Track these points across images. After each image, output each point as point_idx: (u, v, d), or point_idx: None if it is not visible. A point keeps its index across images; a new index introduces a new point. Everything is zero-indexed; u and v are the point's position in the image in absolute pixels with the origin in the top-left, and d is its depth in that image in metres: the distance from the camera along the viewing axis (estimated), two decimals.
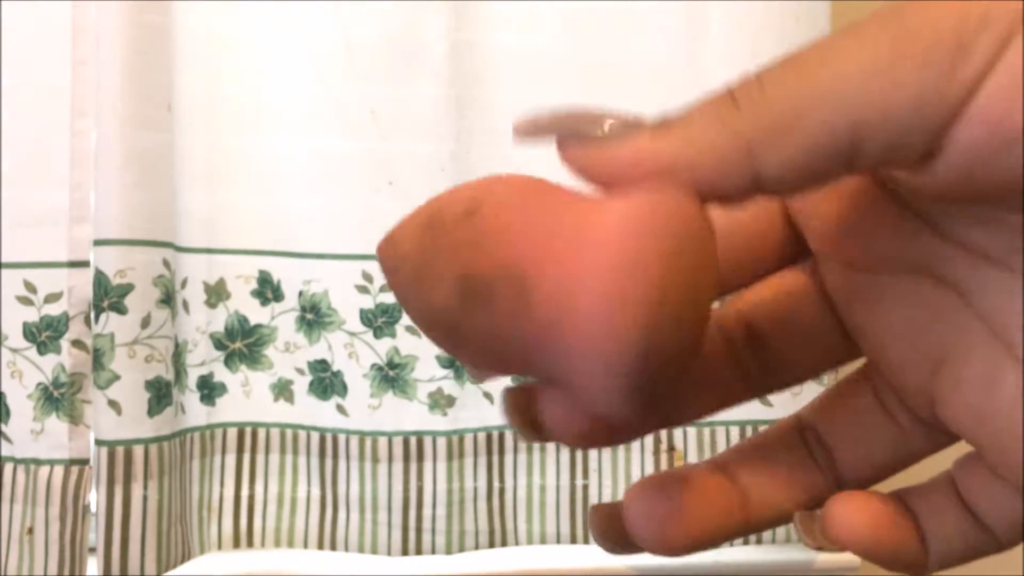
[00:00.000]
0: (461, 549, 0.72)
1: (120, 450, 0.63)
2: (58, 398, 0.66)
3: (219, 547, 0.72)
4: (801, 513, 0.19)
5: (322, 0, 0.69)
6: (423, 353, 0.71)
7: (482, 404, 0.73)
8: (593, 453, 0.74)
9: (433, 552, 0.71)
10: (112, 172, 0.63)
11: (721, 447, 0.74)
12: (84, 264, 0.66)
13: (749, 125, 0.15)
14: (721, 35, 0.71)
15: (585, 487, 0.74)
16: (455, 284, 0.16)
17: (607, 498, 0.73)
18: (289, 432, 0.73)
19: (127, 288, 0.63)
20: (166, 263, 0.66)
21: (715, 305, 0.18)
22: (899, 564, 0.18)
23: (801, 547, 0.73)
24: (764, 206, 0.20)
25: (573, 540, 0.73)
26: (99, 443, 0.63)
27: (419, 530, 0.71)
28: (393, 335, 0.71)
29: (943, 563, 0.18)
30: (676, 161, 0.15)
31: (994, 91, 0.14)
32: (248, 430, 0.73)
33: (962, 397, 0.17)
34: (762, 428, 0.21)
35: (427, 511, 0.71)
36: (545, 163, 0.18)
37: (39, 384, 0.66)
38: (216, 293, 0.71)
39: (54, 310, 0.66)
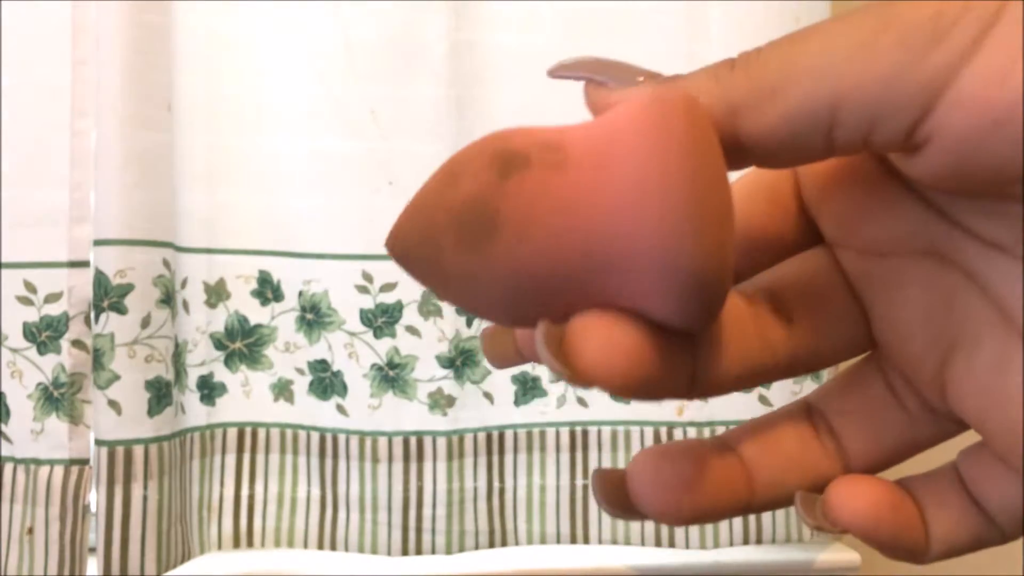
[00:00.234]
0: (461, 549, 0.72)
1: (120, 450, 0.63)
2: (58, 398, 0.66)
3: (219, 547, 0.72)
4: (802, 493, 0.19)
5: (322, 0, 0.69)
6: (423, 353, 0.71)
7: (482, 404, 0.73)
8: (592, 454, 0.74)
9: (433, 552, 0.71)
10: (112, 172, 0.63)
11: None
12: (84, 264, 0.66)
13: (737, 84, 0.16)
14: (721, 35, 0.71)
15: (585, 487, 0.74)
16: (472, 199, 0.16)
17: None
18: (289, 432, 0.73)
19: (127, 288, 0.63)
20: (166, 263, 0.66)
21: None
22: (900, 550, 0.18)
23: (801, 547, 0.74)
24: (778, 192, 0.20)
25: (573, 540, 0.73)
26: (99, 443, 0.63)
27: (419, 530, 0.71)
28: (393, 335, 0.71)
29: (945, 552, 0.18)
30: None
31: (976, 74, 0.14)
32: (248, 430, 0.73)
33: (972, 382, 0.17)
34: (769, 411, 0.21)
35: (427, 511, 0.71)
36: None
37: (39, 384, 0.66)
38: (216, 293, 0.71)
39: (54, 310, 0.66)
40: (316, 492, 0.72)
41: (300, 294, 0.71)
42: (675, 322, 0.16)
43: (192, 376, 0.71)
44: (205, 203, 0.70)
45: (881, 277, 0.19)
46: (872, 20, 0.15)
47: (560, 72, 0.18)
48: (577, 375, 0.16)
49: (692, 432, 0.73)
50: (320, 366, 0.72)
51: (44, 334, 0.66)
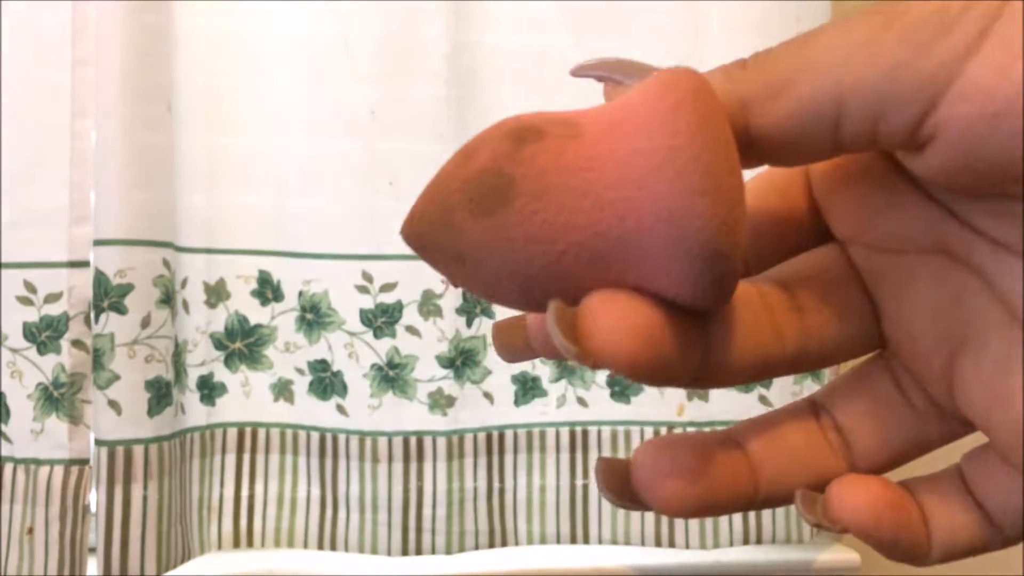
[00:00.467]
0: (461, 549, 0.72)
1: (120, 450, 0.63)
2: (58, 398, 0.66)
3: (219, 547, 0.72)
4: (803, 491, 0.19)
5: (322, 0, 0.69)
6: (423, 353, 0.71)
7: (482, 404, 0.73)
8: (592, 454, 0.74)
9: (433, 552, 0.71)
10: (112, 172, 0.63)
11: None
12: (84, 264, 0.66)
13: (748, 81, 0.17)
14: (721, 35, 0.71)
15: (585, 487, 0.74)
16: (509, 133, 0.17)
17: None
18: (289, 432, 0.73)
19: (127, 288, 0.63)
20: (166, 263, 0.66)
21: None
22: (900, 551, 0.18)
23: (801, 547, 0.74)
24: (789, 189, 0.20)
25: (573, 540, 0.73)
26: (99, 443, 0.63)
27: (419, 530, 0.71)
28: (393, 335, 0.71)
29: (946, 555, 0.18)
30: None
31: (979, 68, 0.14)
32: (248, 430, 0.73)
33: (979, 380, 0.17)
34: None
35: (427, 511, 0.71)
36: None
37: (39, 384, 0.66)
38: (216, 293, 0.71)
39: (54, 310, 0.66)
40: (316, 492, 0.72)
41: (300, 294, 0.71)
42: (686, 298, 0.16)
43: (192, 376, 0.71)
44: (205, 203, 0.70)
45: (891, 274, 0.19)
46: (876, 18, 0.16)
47: (581, 72, 0.19)
48: (587, 354, 0.16)
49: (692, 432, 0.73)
50: (320, 366, 0.72)
51: (44, 334, 0.66)
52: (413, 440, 0.71)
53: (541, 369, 0.74)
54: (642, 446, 0.19)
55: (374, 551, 0.71)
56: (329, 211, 0.70)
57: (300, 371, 0.72)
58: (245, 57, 0.70)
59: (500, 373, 0.73)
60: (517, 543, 0.73)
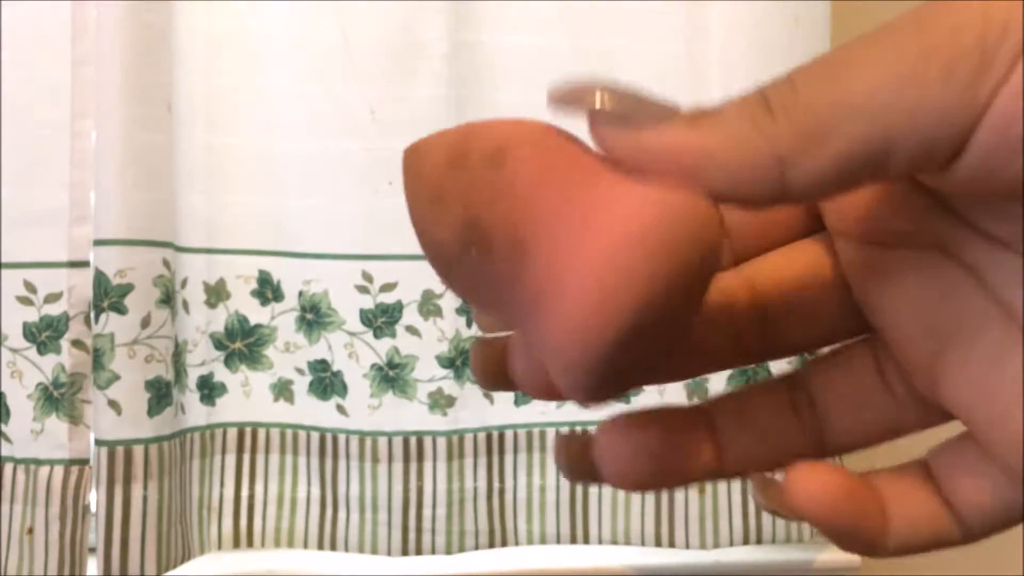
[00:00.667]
0: (461, 549, 0.72)
1: (120, 450, 0.63)
2: (58, 398, 0.66)
3: (219, 547, 0.72)
4: (759, 476, 0.19)
5: (322, 0, 0.69)
6: (423, 353, 0.71)
7: (482, 404, 0.73)
8: None
9: (433, 552, 0.71)
10: (112, 172, 0.63)
11: None
12: (84, 264, 0.66)
13: (782, 133, 0.15)
14: (721, 35, 0.71)
15: (585, 487, 0.74)
16: (460, 225, 0.16)
17: (607, 498, 0.73)
18: (289, 432, 0.73)
19: (127, 288, 0.63)
20: (166, 263, 0.66)
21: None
22: (857, 542, 0.18)
23: (801, 547, 0.74)
24: None
25: (573, 540, 0.73)
26: (99, 443, 0.63)
27: (419, 530, 0.71)
28: (393, 335, 0.71)
29: (905, 548, 0.18)
30: (706, 160, 0.15)
31: (1006, 98, 0.14)
32: (248, 430, 0.73)
33: (967, 374, 0.17)
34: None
35: (427, 511, 0.71)
36: None
37: (39, 384, 0.66)
38: (216, 293, 0.71)
39: (54, 310, 0.66)
40: (316, 492, 0.72)
41: (300, 294, 0.71)
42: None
43: (192, 376, 0.71)
44: (205, 203, 0.70)
45: (881, 267, 0.19)
46: (913, 47, 0.15)
47: (564, 100, 0.17)
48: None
49: None
50: (320, 366, 0.72)
51: (44, 334, 0.66)
52: (413, 440, 0.71)
53: None
54: (606, 423, 0.19)
55: (374, 551, 0.71)
56: (329, 211, 0.70)
57: (300, 371, 0.72)
58: (245, 57, 0.70)
59: None
60: (517, 543, 0.73)
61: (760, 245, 0.21)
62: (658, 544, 0.73)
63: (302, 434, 0.73)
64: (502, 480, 0.73)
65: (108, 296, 0.63)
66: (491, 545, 0.73)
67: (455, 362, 0.72)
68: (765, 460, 0.20)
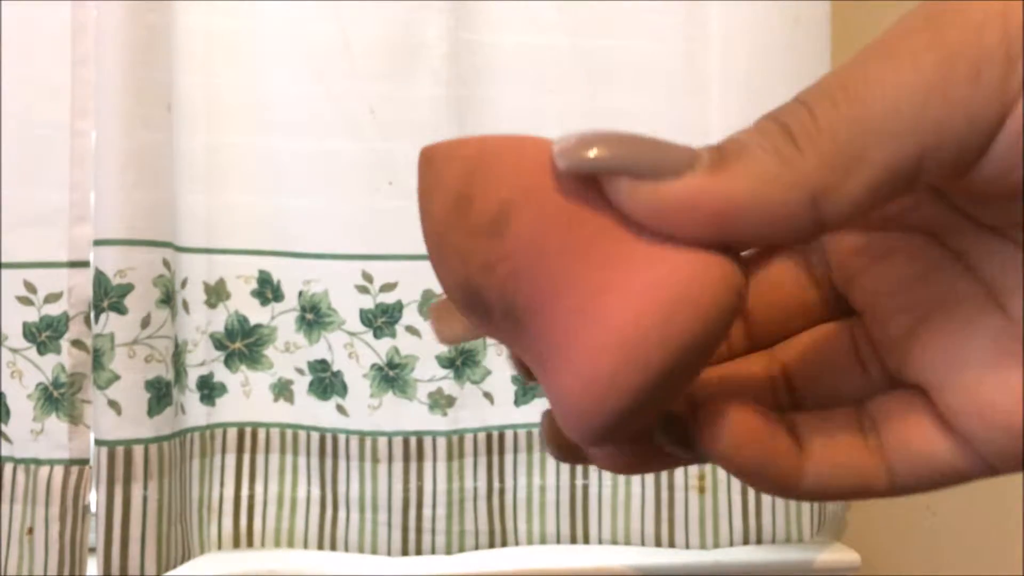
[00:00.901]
0: (461, 549, 0.72)
1: (120, 450, 0.63)
2: (58, 398, 0.66)
3: (219, 547, 0.72)
4: (666, 413, 0.19)
5: (322, 0, 0.69)
6: (423, 353, 0.71)
7: (482, 404, 0.73)
8: None
9: (433, 552, 0.71)
10: (112, 172, 0.63)
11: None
12: (84, 264, 0.66)
13: (811, 168, 0.14)
14: (721, 35, 0.71)
15: (585, 487, 0.74)
16: (460, 287, 0.16)
17: (607, 498, 0.74)
18: (289, 432, 0.73)
19: (127, 288, 0.63)
20: (166, 263, 0.66)
21: None
22: (764, 479, 0.18)
23: (801, 547, 0.74)
24: None
25: (573, 540, 0.73)
26: (99, 443, 0.63)
27: (419, 530, 0.71)
28: (393, 335, 0.71)
29: (822, 492, 0.18)
30: (735, 205, 0.15)
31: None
32: (248, 430, 0.73)
33: (939, 343, 0.17)
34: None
35: (427, 511, 0.71)
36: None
37: (39, 384, 0.66)
38: (216, 293, 0.71)
39: (54, 310, 0.66)
40: (316, 492, 0.72)
41: (300, 294, 0.71)
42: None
43: (192, 376, 0.71)
44: (205, 203, 0.70)
45: (867, 247, 0.19)
46: (931, 53, 0.14)
47: (576, 161, 0.15)
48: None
49: None
50: (320, 366, 0.72)
51: (44, 334, 0.66)
52: (413, 440, 0.71)
53: None
54: None
55: (374, 551, 0.71)
56: (329, 211, 0.70)
57: (300, 371, 0.72)
58: (245, 57, 0.70)
59: (500, 373, 0.73)
60: (517, 543, 0.73)
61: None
62: (658, 544, 0.73)
63: (302, 434, 0.73)
64: (502, 480, 0.73)
65: (108, 296, 0.63)
66: (491, 545, 0.73)
67: (455, 362, 0.72)
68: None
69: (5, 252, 0.66)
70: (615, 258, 0.15)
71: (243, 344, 0.72)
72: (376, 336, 0.71)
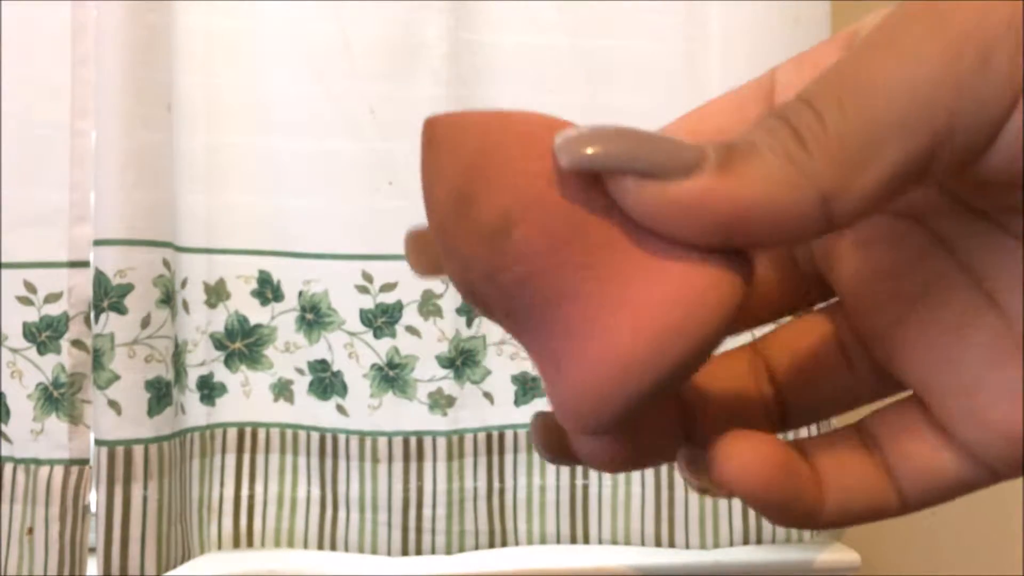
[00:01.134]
0: (461, 549, 0.72)
1: (120, 450, 0.63)
2: (58, 398, 0.66)
3: (219, 547, 0.72)
4: (686, 451, 0.18)
5: (322, 0, 0.69)
6: (423, 353, 0.71)
7: (482, 404, 0.73)
8: None
9: (433, 552, 0.71)
10: (112, 172, 0.63)
11: None
12: (84, 264, 0.66)
13: (821, 169, 0.14)
14: (721, 35, 0.71)
15: (585, 487, 0.74)
16: (461, 283, 0.16)
17: (607, 498, 0.74)
18: (289, 432, 0.73)
19: (127, 288, 0.63)
20: (166, 263, 0.66)
21: None
22: (791, 514, 0.17)
23: (801, 547, 0.74)
24: None
25: (573, 540, 0.73)
26: (99, 443, 0.63)
27: (419, 530, 0.71)
28: (393, 335, 0.71)
29: (840, 518, 0.18)
30: (747, 209, 0.14)
31: None
32: (248, 430, 0.73)
33: (929, 341, 0.17)
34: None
35: (427, 511, 0.71)
36: None
37: (39, 384, 0.66)
38: (216, 293, 0.71)
39: (54, 310, 0.66)
40: (316, 492, 0.72)
41: (300, 294, 0.71)
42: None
43: (192, 376, 0.71)
44: (205, 203, 0.70)
45: (851, 232, 0.18)
46: (938, 43, 0.14)
47: (577, 159, 0.15)
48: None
49: None
50: (320, 366, 0.72)
51: (44, 334, 0.66)
52: (413, 440, 0.71)
53: None
54: None
55: (374, 551, 0.71)
56: (329, 211, 0.70)
57: (300, 371, 0.72)
58: (245, 57, 0.70)
59: (500, 373, 0.73)
60: (517, 543, 0.73)
61: None
62: (658, 544, 0.73)
63: (302, 434, 0.73)
64: (502, 480, 0.73)
65: (108, 296, 0.63)
66: (491, 545, 0.73)
67: (455, 362, 0.72)
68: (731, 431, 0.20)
69: (5, 252, 0.66)
70: (620, 272, 0.15)
71: (243, 344, 0.72)
72: (376, 336, 0.71)
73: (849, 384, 0.19)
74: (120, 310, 0.63)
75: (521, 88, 0.71)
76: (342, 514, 0.72)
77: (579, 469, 0.74)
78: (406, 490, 0.71)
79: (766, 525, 0.73)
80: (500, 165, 0.15)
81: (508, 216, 0.15)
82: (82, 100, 0.66)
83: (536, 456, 0.74)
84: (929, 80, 0.14)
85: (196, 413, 0.71)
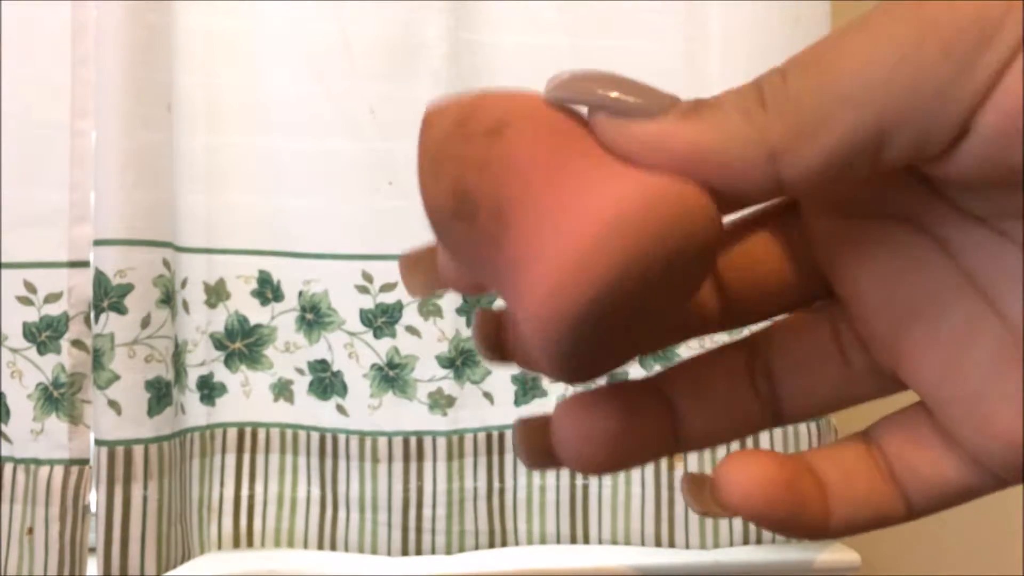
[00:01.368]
0: (461, 549, 0.72)
1: (120, 450, 0.63)
2: (58, 398, 0.66)
3: (219, 547, 0.72)
4: (690, 475, 0.18)
5: (322, 0, 0.69)
6: (423, 353, 0.71)
7: (482, 404, 0.73)
8: None
9: (433, 552, 0.71)
10: (112, 172, 0.63)
11: (721, 452, 0.74)
12: (84, 264, 0.66)
13: (772, 126, 0.15)
14: (721, 35, 0.71)
15: (585, 487, 0.74)
16: (452, 191, 0.17)
17: (607, 498, 0.74)
18: (289, 432, 0.73)
19: (127, 288, 0.63)
20: (166, 263, 0.66)
21: None
22: (797, 529, 0.17)
23: (801, 547, 0.74)
24: None
25: (573, 540, 0.73)
26: (99, 443, 0.63)
27: (419, 530, 0.71)
28: (393, 335, 0.71)
29: (848, 527, 0.18)
30: (698, 150, 0.15)
31: (1013, 79, 0.14)
32: (248, 430, 0.73)
33: (935, 351, 0.17)
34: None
35: (427, 511, 0.71)
36: None
37: (39, 384, 0.66)
38: (216, 293, 0.71)
39: (54, 310, 0.66)
40: (316, 492, 0.72)
41: (300, 294, 0.71)
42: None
43: (192, 376, 0.71)
44: (205, 203, 0.70)
45: (849, 237, 0.18)
46: (905, 28, 0.14)
47: (563, 92, 0.17)
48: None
49: None
50: (320, 366, 0.72)
51: (44, 334, 0.66)
52: (413, 440, 0.71)
53: None
54: (563, 405, 0.19)
55: (374, 551, 0.71)
56: (329, 211, 0.70)
57: (300, 371, 0.72)
58: (245, 57, 0.70)
59: (500, 373, 0.73)
60: (517, 543, 0.73)
61: (727, 208, 0.20)
62: (658, 544, 0.73)
63: (302, 434, 0.73)
64: (502, 480, 0.73)
65: (108, 296, 0.63)
66: (491, 545, 0.73)
67: (455, 362, 0.72)
68: (723, 432, 0.19)
69: (5, 252, 0.66)
70: (593, 171, 0.16)
71: (243, 344, 0.72)
72: (376, 336, 0.71)
73: (846, 382, 0.19)
74: (120, 310, 0.63)
75: (521, 88, 0.71)
76: (342, 514, 0.72)
77: None
78: (406, 490, 0.71)
79: None
80: (501, 96, 0.18)
81: (503, 119, 0.17)
82: (82, 100, 0.66)
83: None
84: (890, 59, 0.14)
85: (196, 413, 0.71)
